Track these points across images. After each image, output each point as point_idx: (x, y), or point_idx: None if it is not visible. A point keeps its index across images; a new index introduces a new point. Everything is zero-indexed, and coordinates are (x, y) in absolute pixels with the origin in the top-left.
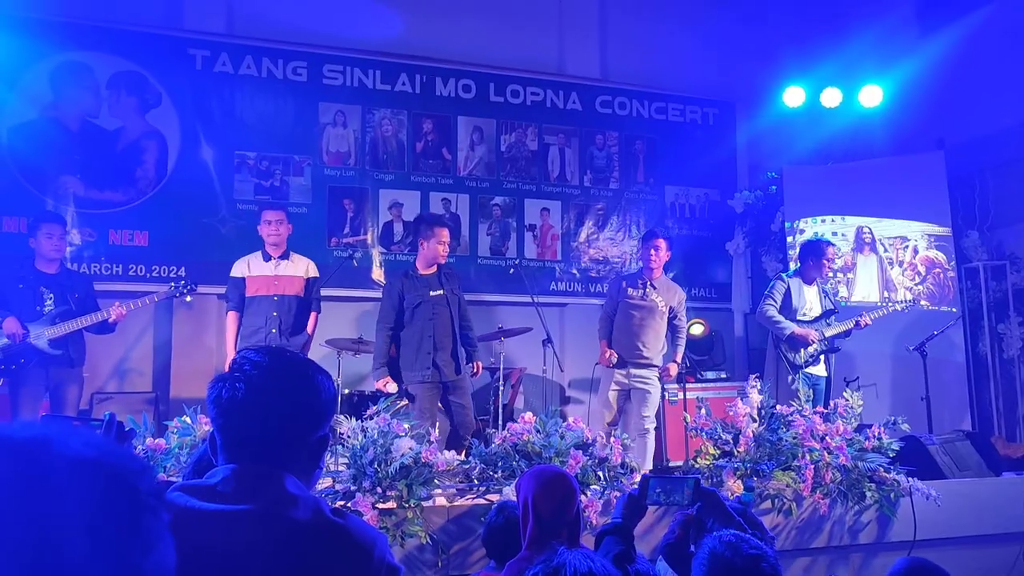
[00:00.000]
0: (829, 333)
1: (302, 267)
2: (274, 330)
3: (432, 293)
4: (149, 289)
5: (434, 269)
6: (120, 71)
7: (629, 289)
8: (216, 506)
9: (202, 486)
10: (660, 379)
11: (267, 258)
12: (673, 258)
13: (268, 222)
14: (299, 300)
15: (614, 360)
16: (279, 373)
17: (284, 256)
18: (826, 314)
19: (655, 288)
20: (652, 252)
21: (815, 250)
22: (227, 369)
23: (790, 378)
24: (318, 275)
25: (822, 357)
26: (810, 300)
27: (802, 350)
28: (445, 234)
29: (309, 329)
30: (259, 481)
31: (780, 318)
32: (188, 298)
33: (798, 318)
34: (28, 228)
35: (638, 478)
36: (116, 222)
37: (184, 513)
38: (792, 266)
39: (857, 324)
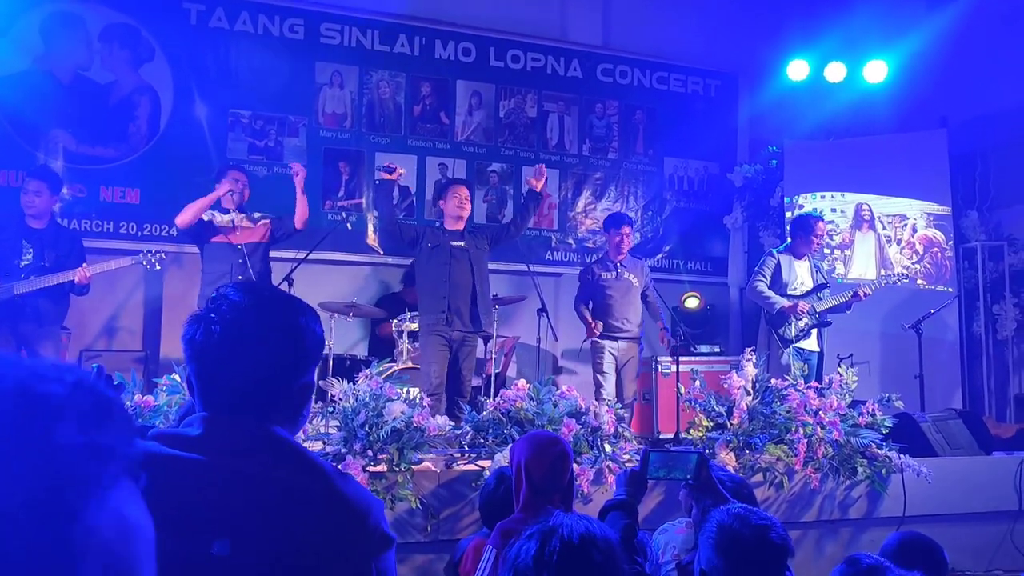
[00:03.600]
0: (820, 307)
1: (261, 229)
2: (240, 276)
3: (453, 243)
4: (140, 248)
5: (460, 226)
6: (113, 23)
7: (602, 273)
8: (192, 455)
9: (181, 435)
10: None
11: (225, 211)
12: (669, 231)
13: (236, 180)
14: (264, 245)
15: (600, 328)
16: (260, 314)
17: (241, 210)
18: (817, 288)
19: (625, 267)
20: (624, 238)
21: (804, 225)
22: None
23: (780, 352)
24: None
25: (814, 332)
26: (801, 275)
27: (792, 324)
28: (463, 189)
29: (298, 223)
30: (237, 432)
31: (770, 293)
32: (157, 267)
33: (788, 292)
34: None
35: (629, 448)
36: (108, 178)
37: (159, 461)
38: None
39: (855, 295)
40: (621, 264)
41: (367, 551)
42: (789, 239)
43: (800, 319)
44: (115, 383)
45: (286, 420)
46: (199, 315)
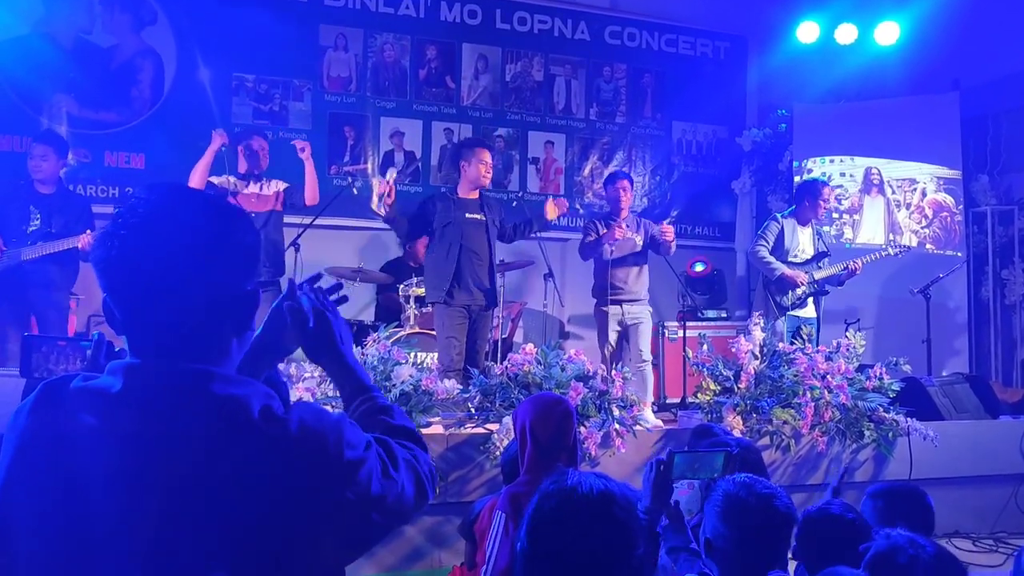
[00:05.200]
0: (819, 276)
1: (274, 187)
2: None
3: (468, 215)
4: None
5: (476, 194)
6: None
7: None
8: (110, 422)
9: (101, 391)
10: (661, 235)
11: (245, 179)
12: (677, 196)
13: (263, 148)
14: (279, 213)
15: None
16: (169, 219)
17: (258, 178)
18: (818, 256)
19: (627, 227)
20: (621, 193)
21: (811, 190)
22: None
23: (779, 321)
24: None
25: (810, 300)
26: (803, 242)
27: (789, 292)
28: (487, 155)
29: (308, 200)
30: (164, 383)
31: (771, 259)
32: None
33: (789, 259)
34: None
35: (638, 412)
36: (112, 143)
37: (75, 435)
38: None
39: (847, 269)
40: (624, 222)
41: (337, 481)
42: (794, 204)
43: (798, 287)
44: (116, 349)
45: (232, 332)
46: (106, 231)
